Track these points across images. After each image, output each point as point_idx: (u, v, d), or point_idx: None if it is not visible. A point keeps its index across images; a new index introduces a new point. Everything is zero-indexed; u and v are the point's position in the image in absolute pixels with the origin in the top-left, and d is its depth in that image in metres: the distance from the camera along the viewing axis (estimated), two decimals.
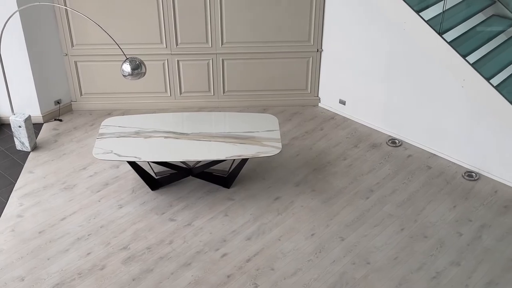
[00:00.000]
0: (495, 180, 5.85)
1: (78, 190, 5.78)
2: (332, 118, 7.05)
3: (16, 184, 5.86)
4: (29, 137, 6.26)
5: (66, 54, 6.78)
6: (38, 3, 5.48)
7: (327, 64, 6.99)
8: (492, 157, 5.81)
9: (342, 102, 7.00)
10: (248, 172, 6.02)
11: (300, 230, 5.26)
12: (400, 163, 6.20)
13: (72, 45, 6.73)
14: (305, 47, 6.88)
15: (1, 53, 5.86)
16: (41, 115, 6.84)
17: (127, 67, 5.29)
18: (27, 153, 6.32)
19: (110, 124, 5.77)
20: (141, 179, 5.75)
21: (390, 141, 6.56)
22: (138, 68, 5.31)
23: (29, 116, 6.23)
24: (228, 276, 4.76)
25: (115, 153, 5.34)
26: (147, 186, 5.76)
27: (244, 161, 5.60)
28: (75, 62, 6.83)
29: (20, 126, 6.18)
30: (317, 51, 6.90)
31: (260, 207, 5.54)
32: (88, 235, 5.19)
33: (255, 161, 6.19)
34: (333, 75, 7.01)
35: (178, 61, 6.87)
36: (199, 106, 7.19)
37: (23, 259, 4.92)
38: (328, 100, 7.19)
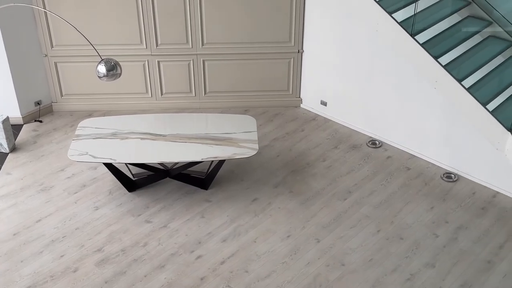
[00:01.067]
0: (474, 182, 5.82)
1: (55, 191, 5.73)
2: (313, 119, 7.02)
3: None
4: (7, 138, 6.21)
5: (46, 55, 6.73)
6: (13, 4, 5.43)
7: (309, 65, 6.96)
8: (470, 158, 5.78)
9: (324, 103, 6.97)
10: (226, 173, 5.98)
11: (276, 231, 5.22)
12: (379, 164, 6.18)
13: (52, 46, 6.68)
14: (286, 48, 6.85)
15: None
16: (20, 116, 6.78)
17: (102, 68, 5.23)
18: (5, 155, 6.27)
19: (87, 125, 5.72)
20: (117, 182, 5.75)
21: (370, 142, 6.53)
22: (113, 69, 5.25)
23: (7, 118, 6.18)
24: (202, 279, 4.71)
25: (90, 155, 5.30)
26: (124, 188, 5.73)
27: (221, 162, 5.56)
28: (55, 63, 6.78)
29: None
30: (298, 52, 6.87)
31: (238, 208, 5.50)
32: (63, 237, 5.14)
33: (234, 162, 6.15)
34: (314, 76, 6.98)
35: (158, 62, 6.82)
36: (181, 107, 7.15)
37: None
38: (309, 101, 7.16)
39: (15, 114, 6.71)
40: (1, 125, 6.09)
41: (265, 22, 6.64)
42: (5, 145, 6.23)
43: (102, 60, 5.27)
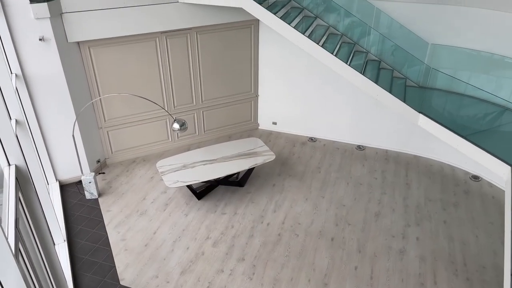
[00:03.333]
0: (378, 148, 7.22)
1: (151, 212, 5.69)
2: (270, 133, 7.77)
3: (104, 221, 5.56)
4: (96, 188, 5.92)
5: (101, 127, 6.48)
6: (86, 105, 5.28)
7: (263, 102, 7.67)
8: (373, 133, 7.15)
9: (274, 123, 7.77)
10: (253, 174, 6.49)
11: (298, 199, 5.92)
12: (320, 150, 7.20)
13: (105, 120, 6.45)
14: (248, 94, 7.50)
15: (74, 134, 5.54)
16: (89, 171, 6.42)
17: (176, 125, 5.44)
18: (96, 200, 5.96)
19: (162, 164, 5.80)
20: (190, 195, 5.95)
21: (309, 139, 7.52)
22: (183, 125, 5.49)
23: (92, 174, 5.90)
24: (278, 234, 5.27)
25: (180, 181, 5.46)
26: (194, 199, 5.91)
27: (252, 168, 6.06)
28: (107, 132, 6.55)
29: (90, 182, 5.83)
30: (256, 96, 7.57)
31: (267, 192, 6.04)
32: (178, 237, 5.23)
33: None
34: (267, 107, 7.71)
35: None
36: (190, 143, 7.36)
37: (147, 264, 4.84)
38: (264, 123, 7.88)
39: (86, 171, 6.34)
40: (93, 179, 5.81)
41: (234, 80, 7.23)
42: (95, 193, 5.93)
43: (175, 120, 5.47)
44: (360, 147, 7.19)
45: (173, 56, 6.47)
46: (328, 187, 6.18)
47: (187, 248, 5.05)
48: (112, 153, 6.79)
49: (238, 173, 6.15)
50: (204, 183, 6.11)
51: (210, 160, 5.92)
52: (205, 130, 7.44)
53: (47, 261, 3.87)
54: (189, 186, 5.74)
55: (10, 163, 3.49)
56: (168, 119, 6.96)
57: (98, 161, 6.61)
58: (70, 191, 6.12)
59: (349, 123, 7.21)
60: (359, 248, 5.03)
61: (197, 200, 5.91)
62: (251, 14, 5.44)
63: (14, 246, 2.81)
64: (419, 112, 5.02)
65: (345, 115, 7.16)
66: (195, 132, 7.37)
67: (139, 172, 6.51)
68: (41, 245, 3.81)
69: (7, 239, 2.56)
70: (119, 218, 5.61)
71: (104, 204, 5.89)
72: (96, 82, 6.11)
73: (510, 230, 3.34)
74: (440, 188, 6.08)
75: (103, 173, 6.60)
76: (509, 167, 4.02)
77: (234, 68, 7.07)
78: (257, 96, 7.58)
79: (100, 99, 6.23)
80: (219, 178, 5.98)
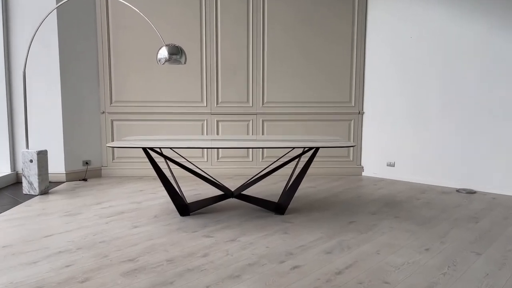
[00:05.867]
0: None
1: (82, 216, 2.93)
2: (381, 180, 4.41)
3: (2, 213, 3.06)
4: (40, 175, 3.63)
5: (104, 112, 4.49)
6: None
7: (369, 125, 4.60)
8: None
9: (390, 164, 4.48)
10: (301, 206, 3.20)
11: (404, 245, 2.34)
12: (480, 201, 3.46)
13: (111, 102, 4.50)
14: (345, 107, 4.63)
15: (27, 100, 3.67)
16: (64, 172, 4.27)
17: (163, 52, 3.04)
18: (33, 197, 3.61)
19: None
20: (167, 207, 3.10)
21: (459, 190, 3.87)
22: (176, 54, 3.06)
23: (45, 151, 3.71)
24: None
25: (134, 141, 2.75)
26: (174, 213, 2.97)
27: (297, 185, 2.93)
28: (112, 121, 4.49)
29: (31, 161, 3.60)
30: (359, 113, 4.65)
31: (332, 228, 2.64)
32: (77, 249, 2.26)
33: (307, 198, 3.48)
34: (376, 135, 4.54)
35: (217, 121, 4.59)
36: (237, 173, 4.60)
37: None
38: (372, 164, 4.59)
39: (58, 169, 4.22)
40: (36, 156, 3.59)
41: (325, 82, 4.58)
42: (36, 184, 3.62)
43: (167, 45, 3.12)
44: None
45: (224, 29, 4.45)
46: (493, 243, 2.41)
47: (67, 266, 2.00)
48: (113, 159, 4.57)
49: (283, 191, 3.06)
50: (211, 200, 3.17)
51: (232, 140, 3.09)
52: (264, 155, 4.66)
53: None
54: (170, 192, 2.90)
55: None
56: (206, 121, 4.56)
57: (87, 163, 4.42)
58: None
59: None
60: None
61: (178, 214, 2.94)
62: None
63: None
64: None
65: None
66: (247, 156, 4.65)
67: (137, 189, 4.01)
68: None
69: None
70: (25, 214, 3.00)
71: (35, 200, 3.42)
72: (108, 33, 4.43)
73: None
74: None
75: (85, 179, 4.31)
76: None
77: (321, 59, 4.52)
78: (361, 113, 4.66)
79: (110, 64, 4.42)
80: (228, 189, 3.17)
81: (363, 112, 4.61)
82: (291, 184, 2.99)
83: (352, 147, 4.62)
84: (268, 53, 4.49)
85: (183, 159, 3.92)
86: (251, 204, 3.15)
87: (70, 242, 2.37)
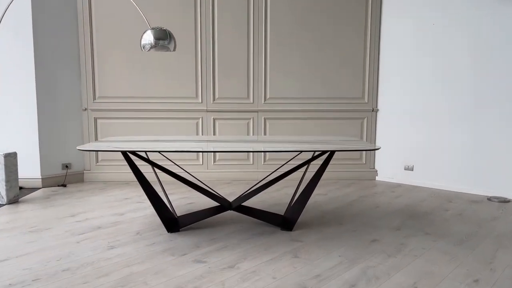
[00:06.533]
0: None
1: (50, 232, 2.45)
2: (398, 186, 3.97)
3: None
4: (7, 182, 3.16)
5: (86, 109, 4.02)
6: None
7: (384, 124, 4.12)
8: None
9: (409, 168, 4.01)
10: (312, 219, 2.74)
11: (447, 275, 1.88)
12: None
13: (94, 98, 4.02)
14: (357, 104, 4.15)
15: None
16: (40, 177, 3.79)
17: (149, 36, 2.58)
18: (0, 206, 3.15)
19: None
20: (154, 220, 2.64)
21: (490, 199, 3.42)
22: (164, 39, 2.59)
23: (14, 154, 3.24)
24: None
25: (115, 146, 2.28)
26: (161, 229, 2.51)
27: (307, 195, 2.45)
28: (95, 119, 4.01)
29: None
30: (373, 110, 4.18)
31: (351, 248, 2.19)
32: (34, 280, 1.80)
33: (319, 209, 3.02)
34: (392, 136, 4.06)
35: (214, 119, 4.13)
36: (235, 178, 4.15)
37: None
38: (386, 169, 4.13)
39: (33, 174, 3.75)
40: (2, 159, 3.12)
41: (335, 75, 4.11)
42: (3, 192, 3.13)
43: (153, 28, 2.66)
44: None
45: (222, 14, 3.94)
46: None
47: None
48: (97, 162, 4.10)
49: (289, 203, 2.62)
50: (205, 213, 2.73)
51: (232, 140, 2.64)
52: (266, 157, 4.21)
53: None
54: (155, 204, 2.43)
55: None
56: (202, 119, 4.10)
57: (67, 167, 3.95)
58: None
59: None
60: None
61: (165, 231, 2.49)
62: None
63: None
64: None
65: None
66: (247, 158, 4.19)
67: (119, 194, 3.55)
68: None
69: None
70: None
71: (1, 211, 2.98)
72: (91, 22, 3.94)
73: None
74: None
75: (64, 185, 3.85)
76: None
77: (331, 48, 4.04)
78: (374, 110, 4.20)
79: (92, 57, 3.96)
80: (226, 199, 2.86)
81: (377, 110, 4.15)
82: (300, 195, 2.53)
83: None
84: (271, 42, 4.02)
85: (174, 162, 3.46)
86: (252, 217, 2.69)
87: (26, 270, 1.91)
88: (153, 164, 2.49)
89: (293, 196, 2.68)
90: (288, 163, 3.48)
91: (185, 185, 3.71)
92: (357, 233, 2.47)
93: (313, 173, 2.49)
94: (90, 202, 3.23)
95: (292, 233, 2.47)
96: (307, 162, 2.52)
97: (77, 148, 2.21)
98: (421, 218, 2.83)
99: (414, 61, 3.87)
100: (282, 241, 2.32)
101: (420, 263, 2.02)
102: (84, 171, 4.06)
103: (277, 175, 2.62)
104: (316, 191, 3.62)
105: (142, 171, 2.41)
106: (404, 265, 1.99)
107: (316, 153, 2.56)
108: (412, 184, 3.96)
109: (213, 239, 2.35)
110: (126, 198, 3.36)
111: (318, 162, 3.21)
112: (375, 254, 2.13)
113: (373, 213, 2.95)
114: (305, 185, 2.52)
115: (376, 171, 4.22)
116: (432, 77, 3.77)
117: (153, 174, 2.67)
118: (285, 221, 2.53)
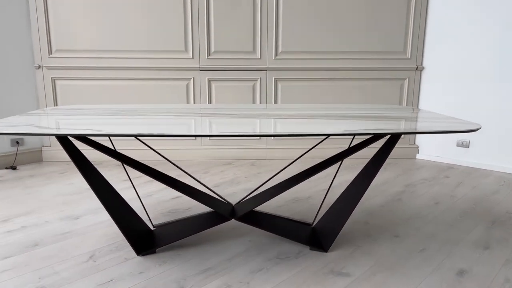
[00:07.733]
0: None
1: None
2: (450, 167, 3.15)
3: None
4: None
5: (40, 66, 3.10)
6: None
7: (431, 86, 3.22)
8: None
9: (463, 144, 3.17)
10: (348, 227, 1.92)
11: None
12: None
13: (50, 53, 3.09)
14: (399, 62, 3.25)
15: None
16: None
17: None
18: None
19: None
20: (116, 234, 1.78)
21: None
22: None
23: None
24: None
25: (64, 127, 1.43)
26: (127, 249, 1.69)
27: (355, 201, 1.56)
28: (52, 80, 3.10)
29: None
30: (417, 68, 3.30)
31: (432, 283, 1.43)
32: None
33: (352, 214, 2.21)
34: (443, 100, 3.18)
35: (209, 80, 3.23)
36: (237, 157, 3.34)
37: None
38: (433, 145, 3.30)
39: None
40: None
41: (367, 23, 3.19)
42: None
43: None
44: None
45: None
46: None
47: None
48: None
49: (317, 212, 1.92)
50: (195, 225, 2.02)
51: (238, 113, 1.79)
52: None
53: None
54: (115, 214, 1.60)
55: None
56: (193, 81, 3.20)
57: (17, 143, 3.11)
58: None
59: None
60: None
61: (133, 254, 1.67)
62: None
63: None
64: None
65: None
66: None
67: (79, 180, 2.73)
68: None
69: None
70: None
71: None
72: None
73: None
74: None
75: (14, 167, 3.02)
76: None
77: None
78: (419, 69, 3.28)
79: (46, 3, 3.02)
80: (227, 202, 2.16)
81: (423, 68, 3.24)
82: (342, 198, 1.69)
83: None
84: None
85: (150, 146, 2.62)
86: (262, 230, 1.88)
87: None
88: (119, 157, 1.64)
89: (325, 196, 1.85)
90: (317, 146, 2.63)
91: (169, 167, 2.87)
92: (429, 255, 1.64)
93: (355, 161, 1.64)
94: (39, 195, 2.39)
95: (328, 255, 1.65)
96: (351, 151, 1.66)
97: None
98: (509, 222, 2.01)
99: (474, 6, 2.93)
100: (314, 274, 1.50)
101: None
102: (43, 148, 3.21)
103: (301, 167, 1.78)
104: (344, 177, 2.78)
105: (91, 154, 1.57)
106: None
107: (374, 136, 1.69)
108: (467, 165, 3.13)
109: (206, 269, 1.53)
110: (90, 189, 2.53)
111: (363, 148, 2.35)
112: None
113: (437, 214, 2.12)
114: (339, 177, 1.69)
115: (418, 147, 3.37)
116: (496, 27, 2.84)
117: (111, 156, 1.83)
118: (316, 235, 1.71)
